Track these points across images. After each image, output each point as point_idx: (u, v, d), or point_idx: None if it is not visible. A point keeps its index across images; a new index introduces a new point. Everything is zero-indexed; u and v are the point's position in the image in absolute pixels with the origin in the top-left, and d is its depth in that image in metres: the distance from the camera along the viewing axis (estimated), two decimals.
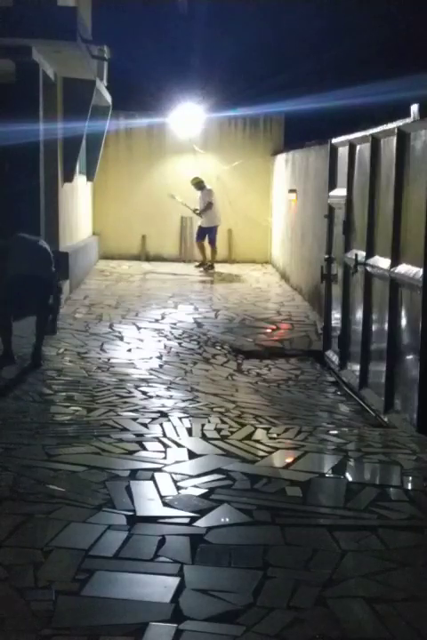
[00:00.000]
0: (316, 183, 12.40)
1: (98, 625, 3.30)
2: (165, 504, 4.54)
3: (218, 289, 14.70)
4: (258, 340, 10.46)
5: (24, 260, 8.47)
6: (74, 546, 3.99)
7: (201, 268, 17.59)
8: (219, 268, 17.73)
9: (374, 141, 7.50)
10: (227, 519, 4.39)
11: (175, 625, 3.29)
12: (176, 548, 4.01)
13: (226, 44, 20.76)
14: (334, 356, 9.05)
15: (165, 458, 5.34)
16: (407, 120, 6.54)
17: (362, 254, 7.78)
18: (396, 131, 6.77)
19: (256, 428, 6.21)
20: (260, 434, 6.06)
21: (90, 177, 17.35)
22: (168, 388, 7.68)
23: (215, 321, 11.56)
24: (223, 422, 6.37)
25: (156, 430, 6.02)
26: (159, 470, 5.06)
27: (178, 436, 5.88)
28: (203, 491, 4.73)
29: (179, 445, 5.64)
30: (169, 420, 6.29)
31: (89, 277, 15.69)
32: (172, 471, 5.06)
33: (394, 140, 6.83)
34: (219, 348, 9.92)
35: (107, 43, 14.21)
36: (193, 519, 4.34)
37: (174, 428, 6.08)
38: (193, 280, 16.08)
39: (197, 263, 17.99)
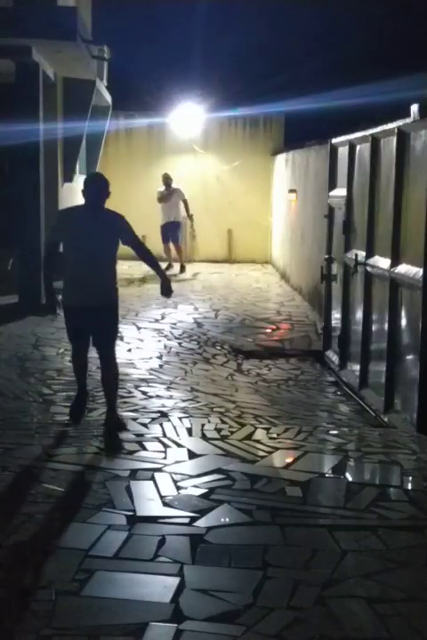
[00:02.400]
0: (316, 183, 12.39)
1: (98, 625, 3.30)
2: (165, 504, 4.54)
3: (218, 289, 14.69)
4: (258, 339, 10.45)
5: None
6: (74, 546, 3.99)
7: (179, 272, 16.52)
8: (219, 267, 17.69)
9: (374, 141, 7.50)
10: (227, 519, 4.39)
11: (175, 625, 3.30)
12: (176, 548, 4.01)
13: (226, 44, 20.76)
14: (334, 356, 9.05)
15: (165, 458, 5.34)
16: (407, 120, 6.53)
17: (362, 254, 7.77)
18: (396, 131, 6.76)
19: (256, 428, 6.21)
20: (260, 434, 6.06)
21: None
22: (168, 388, 7.67)
23: (215, 321, 11.55)
24: (223, 422, 6.36)
25: (156, 430, 6.02)
26: (159, 470, 5.07)
27: (178, 436, 5.88)
28: (203, 491, 4.73)
29: (179, 445, 5.64)
30: (169, 420, 6.29)
31: None
32: (172, 471, 5.06)
33: (394, 140, 6.83)
34: (219, 347, 9.91)
35: (107, 43, 14.22)
36: (193, 519, 4.34)
37: (174, 428, 6.08)
38: (193, 280, 16.07)
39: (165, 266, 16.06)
